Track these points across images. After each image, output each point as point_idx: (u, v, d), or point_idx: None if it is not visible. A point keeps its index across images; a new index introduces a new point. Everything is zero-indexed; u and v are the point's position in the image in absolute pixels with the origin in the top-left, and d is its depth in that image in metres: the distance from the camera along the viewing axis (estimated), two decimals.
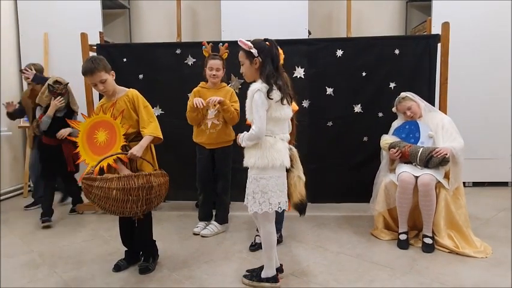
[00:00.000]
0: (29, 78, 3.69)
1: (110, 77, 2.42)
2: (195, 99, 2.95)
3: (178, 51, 3.66)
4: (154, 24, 5.38)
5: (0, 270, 2.59)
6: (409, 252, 2.75)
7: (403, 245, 2.82)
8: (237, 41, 3.47)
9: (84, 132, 2.40)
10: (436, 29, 3.56)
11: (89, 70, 2.35)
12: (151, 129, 2.40)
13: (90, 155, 2.34)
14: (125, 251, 2.62)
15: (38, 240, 3.13)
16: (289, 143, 2.33)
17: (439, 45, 3.38)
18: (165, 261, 2.67)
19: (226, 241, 3.04)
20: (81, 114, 2.55)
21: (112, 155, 2.27)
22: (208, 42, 3.16)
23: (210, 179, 3.21)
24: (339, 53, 3.50)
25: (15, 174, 4.64)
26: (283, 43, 2.25)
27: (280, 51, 2.38)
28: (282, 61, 2.51)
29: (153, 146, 2.54)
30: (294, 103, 2.59)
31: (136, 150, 2.31)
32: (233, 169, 3.25)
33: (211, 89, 3.11)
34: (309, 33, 4.57)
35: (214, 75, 3.04)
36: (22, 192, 4.64)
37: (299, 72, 3.53)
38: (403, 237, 2.85)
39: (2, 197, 4.36)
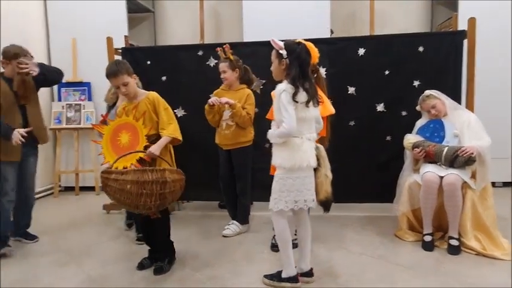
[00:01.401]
0: (34, 71, 2.88)
1: (132, 80, 2.48)
2: (211, 99, 3.02)
3: (200, 53, 3.70)
4: (178, 26, 5.46)
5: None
6: (434, 254, 2.70)
7: (428, 246, 2.76)
8: (258, 42, 3.52)
9: (108, 135, 2.46)
10: (462, 25, 3.46)
11: (112, 73, 2.42)
12: (171, 131, 2.45)
13: (114, 157, 2.38)
14: (148, 249, 2.67)
15: (66, 239, 3.24)
16: (323, 144, 2.34)
17: (465, 41, 3.29)
18: (187, 261, 2.71)
19: (248, 241, 3.06)
20: (107, 119, 2.61)
21: (130, 153, 2.32)
22: (230, 44, 3.19)
23: (230, 179, 3.24)
24: (361, 51, 3.46)
25: (46, 175, 4.80)
26: None
27: (315, 49, 2.39)
28: (317, 60, 2.51)
29: (172, 148, 2.58)
30: (331, 107, 2.59)
31: (155, 149, 2.36)
32: (254, 169, 3.27)
33: (229, 91, 3.16)
34: (332, 32, 4.54)
35: (222, 78, 3.13)
36: (53, 192, 4.81)
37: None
38: (427, 238, 2.79)
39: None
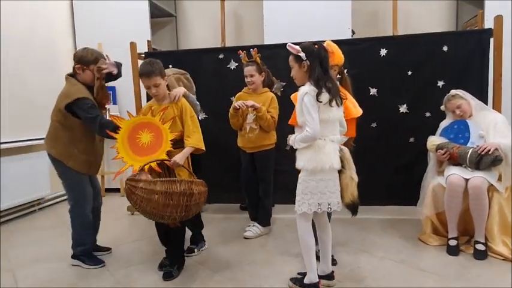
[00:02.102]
0: (114, 70, 2.68)
1: (163, 82, 2.50)
2: (236, 102, 3.03)
3: (221, 56, 3.74)
4: (199, 30, 5.52)
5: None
6: (459, 259, 2.63)
7: (453, 251, 2.70)
8: (279, 44, 3.51)
9: (126, 130, 2.43)
10: (489, 23, 3.36)
11: (146, 72, 2.42)
12: (195, 140, 2.47)
13: (130, 154, 2.38)
14: (165, 250, 2.71)
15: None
16: (347, 145, 2.32)
17: (491, 40, 3.20)
18: (208, 262, 2.74)
19: (269, 243, 3.06)
20: (127, 112, 2.55)
21: (156, 160, 2.34)
22: (252, 47, 3.20)
23: (253, 182, 3.25)
24: (383, 52, 3.42)
25: None
26: None
27: (340, 51, 2.37)
28: (342, 61, 2.50)
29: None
30: (358, 108, 2.58)
31: (179, 158, 2.38)
32: (277, 171, 3.27)
33: (253, 95, 3.16)
34: (353, 32, 4.49)
35: (249, 81, 3.11)
36: None
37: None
38: (452, 242, 2.73)
39: (58, 199, 4.65)
